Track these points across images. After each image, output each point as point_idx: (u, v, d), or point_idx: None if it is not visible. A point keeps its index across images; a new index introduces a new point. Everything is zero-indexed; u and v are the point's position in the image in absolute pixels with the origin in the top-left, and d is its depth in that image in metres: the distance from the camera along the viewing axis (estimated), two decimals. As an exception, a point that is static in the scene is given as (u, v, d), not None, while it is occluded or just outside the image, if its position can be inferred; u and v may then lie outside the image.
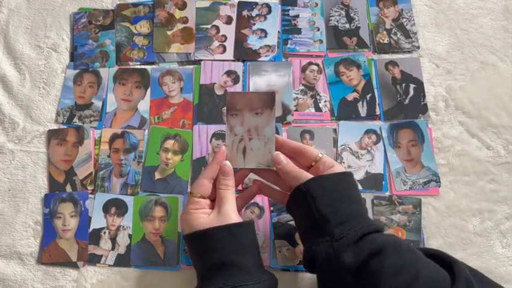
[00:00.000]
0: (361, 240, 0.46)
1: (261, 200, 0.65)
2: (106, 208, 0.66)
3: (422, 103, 0.71)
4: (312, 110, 0.70)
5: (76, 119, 0.71)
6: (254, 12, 0.76)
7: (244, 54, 0.73)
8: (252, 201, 0.65)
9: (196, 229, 0.50)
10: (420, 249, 0.51)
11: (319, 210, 0.47)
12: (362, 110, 0.70)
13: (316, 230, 0.48)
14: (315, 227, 0.48)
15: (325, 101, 0.71)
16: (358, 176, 0.67)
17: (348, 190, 0.50)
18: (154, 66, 0.74)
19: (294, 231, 0.64)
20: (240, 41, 0.74)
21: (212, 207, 0.53)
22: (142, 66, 0.74)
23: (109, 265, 0.63)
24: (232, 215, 0.50)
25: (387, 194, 0.66)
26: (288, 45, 0.74)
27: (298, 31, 0.75)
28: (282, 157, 0.53)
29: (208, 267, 0.49)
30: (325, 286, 0.48)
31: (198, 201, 0.52)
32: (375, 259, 0.45)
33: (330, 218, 0.47)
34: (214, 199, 0.55)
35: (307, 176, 0.51)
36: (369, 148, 0.68)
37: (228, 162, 0.53)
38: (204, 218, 0.51)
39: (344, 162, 0.67)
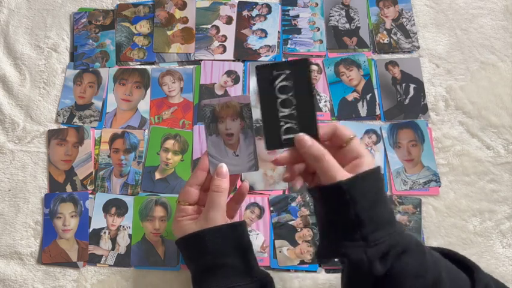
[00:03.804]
0: (391, 246, 0.44)
1: (261, 200, 0.65)
2: (106, 208, 0.66)
3: (422, 103, 0.71)
4: (312, 110, 0.70)
5: (76, 119, 0.71)
6: (254, 12, 0.76)
7: (245, 54, 0.73)
8: (253, 201, 0.65)
9: (185, 234, 0.50)
10: (437, 249, 0.49)
11: (358, 214, 0.44)
12: (362, 110, 0.70)
13: (348, 232, 0.45)
14: (346, 228, 0.45)
15: (325, 101, 0.71)
16: (358, 176, 0.67)
17: (382, 191, 0.47)
18: (154, 66, 0.74)
19: (294, 231, 0.64)
20: (240, 41, 0.74)
21: (200, 213, 0.53)
22: (142, 66, 0.74)
23: (109, 265, 0.63)
24: (218, 218, 0.49)
25: (388, 194, 0.66)
26: (288, 45, 0.74)
27: (299, 31, 0.75)
28: (306, 138, 0.47)
29: (200, 270, 0.49)
30: (350, 285, 0.47)
31: (184, 209, 0.51)
32: (399, 260, 0.43)
33: (366, 223, 0.44)
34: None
35: (339, 170, 0.45)
36: (369, 148, 0.68)
37: (224, 165, 0.51)
38: (190, 224, 0.50)
39: (344, 162, 0.67)
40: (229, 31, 0.75)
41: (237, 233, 0.49)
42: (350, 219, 0.44)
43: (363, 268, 0.43)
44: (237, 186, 0.58)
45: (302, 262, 0.62)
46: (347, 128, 0.48)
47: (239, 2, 0.76)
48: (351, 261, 0.44)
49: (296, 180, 0.50)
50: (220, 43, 0.74)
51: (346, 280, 0.47)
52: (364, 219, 0.44)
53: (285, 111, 0.47)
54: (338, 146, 0.48)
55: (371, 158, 0.47)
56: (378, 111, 0.70)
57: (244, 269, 0.48)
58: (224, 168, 0.51)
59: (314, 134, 0.47)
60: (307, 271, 0.63)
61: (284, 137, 0.48)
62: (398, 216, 0.65)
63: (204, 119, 0.51)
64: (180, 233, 0.51)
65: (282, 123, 0.48)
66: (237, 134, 0.50)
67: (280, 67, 0.47)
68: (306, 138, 0.47)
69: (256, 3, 0.76)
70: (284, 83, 0.47)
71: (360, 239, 0.44)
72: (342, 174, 0.45)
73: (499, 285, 0.47)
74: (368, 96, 0.71)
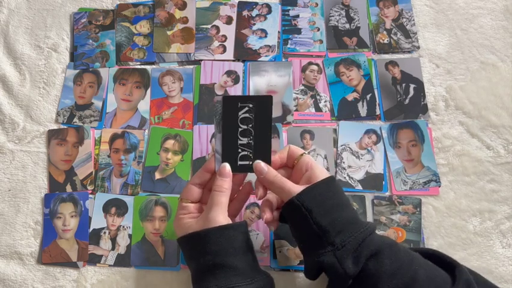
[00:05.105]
0: (360, 245, 0.46)
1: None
2: (106, 208, 0.66)
3: (422, 103, 0.71)
4: (312, 110, 0.70)
5: (76, 119, 0.71)
6: (254, 12, 0.76)
7: (245, 54, 0.73)
8: (252, 201, 0.65)
9: (186, 232, 0.50)
10: (420, 250, 0.51)
11: (317, 222, 0.47)
12: (362, 110, 0.70)
13: (316, 242, 0.47)
14: (314, 239, 0.47)
15: (325, 101, 0.71)
16: (358, 176, 0.67)
17: (339, 196, 0.50)
18: (154, 66, 0.74)
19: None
20: (240, 41, 0.74)
21: (202, 211, 0.53)
22: (142, 66, 0.74)
23: (109, 265, 0.63)
24: (219, 218, 0.49)
25: (387, 194, 0.66)
26: (288, 45, 0.74)
27: (299, 31, 0.75)
28: (262, 165, 0.51)
29: (200, 269, 0.49)
30: None
31: (185, 207, 0.52)
32: (373, 260, 0.45)
33: (329, 229, 0.46)
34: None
35: (292, 186, 0.49)
36: (369, 148, 0.68)
37: (227, 164, 0.52)
38: (190, 222, 0.51)
39: (344, 162, 0.67)
40: (229, 31, 0.75)
41: (238, 233, 0.50)
42: (313, 229, 0.47)
43: (339, 271, 0.45)
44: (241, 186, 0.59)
45: (302, 262, 0.62)
46: (298, 148, 0.53)
47: (239, 2, 0.76)
48: (327, 268, 0.46)
49: (270, 224, 0.53)
50: (220, 43, 0.74)
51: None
52: (325, 225, 0.47)
53: (244, 140, 0.52)
54: (292, 165, 0.53)
55: (321, 170, 0.51)
56: (378, 111, 0.70)
57: (244, 269, 0.48)
58: (227, 168, 0.52)
59: (267, 163, 0.52)
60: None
61: (240, 163, 0.52)
62: (398, 216, 0.65)
63: (215, 116, 0.53)
64: (181, 231, 0.51)
65: (239, 151, 0.52)
66: None
67: (244, 100, 0.52)
68: (262, 165, 0.51)
69: (256, 3, 0.76)
70: (246, 115, 0.52)
71: (328, 244, 0.46)
72: (296, 189, 0.48)
73: (480, 280, 0.47)
74: (368, 96, 0.71)
